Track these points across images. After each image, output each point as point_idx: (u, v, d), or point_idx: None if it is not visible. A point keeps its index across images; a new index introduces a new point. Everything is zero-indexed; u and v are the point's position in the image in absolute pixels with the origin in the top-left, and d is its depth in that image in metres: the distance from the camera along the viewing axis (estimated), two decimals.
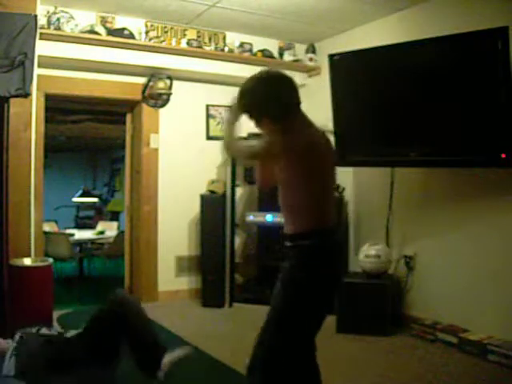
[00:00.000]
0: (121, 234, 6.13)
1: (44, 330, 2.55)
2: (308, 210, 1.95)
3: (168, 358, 2.55)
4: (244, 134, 4.59)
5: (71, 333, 2.60)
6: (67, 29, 4.15)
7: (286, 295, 1.99)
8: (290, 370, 1.97)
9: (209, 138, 5.18)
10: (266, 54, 5.01)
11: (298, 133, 1.94)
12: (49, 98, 4.35)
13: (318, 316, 2.03)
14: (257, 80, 2.01)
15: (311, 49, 5.16)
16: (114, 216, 11.01)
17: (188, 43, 4.71)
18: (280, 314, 1.99)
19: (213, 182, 5.00)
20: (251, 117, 2.04)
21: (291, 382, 1.99)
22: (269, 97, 1.96)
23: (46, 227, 6.17)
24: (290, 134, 1.93)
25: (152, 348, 2.57)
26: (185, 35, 4.79)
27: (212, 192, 4.89)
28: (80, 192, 9.72)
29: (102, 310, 2.66)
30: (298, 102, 2.01)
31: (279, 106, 1.95)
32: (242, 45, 4.96)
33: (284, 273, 2.01)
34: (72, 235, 6.62)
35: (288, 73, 2.05)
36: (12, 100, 3.17)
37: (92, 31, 4.26)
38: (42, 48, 3.75)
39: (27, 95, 3.11)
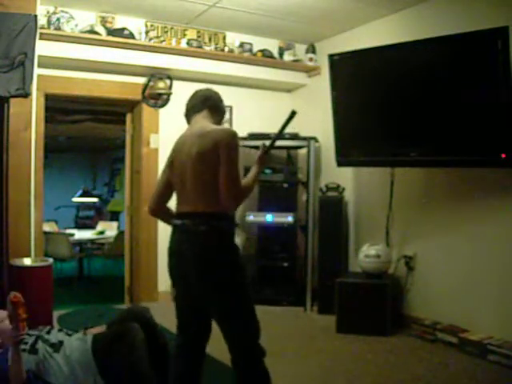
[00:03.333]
0: (121, 233, 6.14)
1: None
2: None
3: None
4: (244, 134, 4.67)
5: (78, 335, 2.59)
6: (67, 29, 4.15)
7: None
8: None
9: None
10: (265, 54, 5.01)
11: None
12: (49, 97, 4.35)
13: (173, 281, 2.47)
14: None
15: (311, 49, 5.16)
16: (114, 216, 11.03)
17: (188, 43, 4.71)
18: None
19: None
20: None
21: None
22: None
23: (46, 227, 6.17)
24: None
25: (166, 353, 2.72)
26: (185, 35, 4.79)
27: None
28: (80, 192, 9.75)
29: (123, 317, 2.75)
30: (192, 107, 2.39)
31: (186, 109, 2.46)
32: (242, 45, 4.96)
33: None
34: (72, 235, 6.63)
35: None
36: (12, 100, 3.17)
37: (92, 31, 4.26)
38: (42, 48, 3.75)
39: (27, 95, 3.11)
